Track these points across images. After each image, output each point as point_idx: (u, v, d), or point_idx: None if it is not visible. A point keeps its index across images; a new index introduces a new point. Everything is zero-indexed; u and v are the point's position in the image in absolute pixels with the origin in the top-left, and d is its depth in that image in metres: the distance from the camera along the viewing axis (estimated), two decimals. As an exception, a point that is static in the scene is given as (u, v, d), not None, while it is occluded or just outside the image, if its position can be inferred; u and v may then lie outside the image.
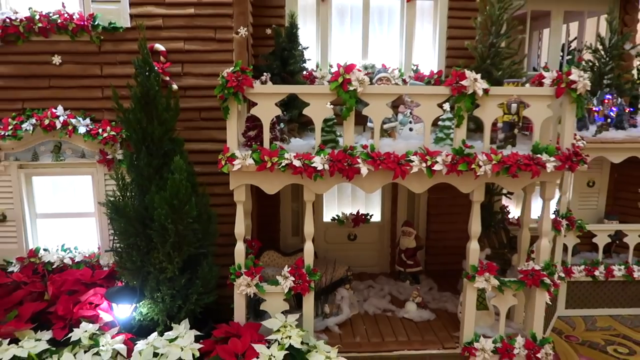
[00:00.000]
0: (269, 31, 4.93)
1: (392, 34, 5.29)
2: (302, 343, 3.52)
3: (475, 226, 3.92)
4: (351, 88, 3.45)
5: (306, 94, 3.57)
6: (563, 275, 5.60)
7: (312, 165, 3.49)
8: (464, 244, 5.37)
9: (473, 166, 3.56)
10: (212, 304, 4.05)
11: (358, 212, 5.45)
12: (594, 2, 7.08)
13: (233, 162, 3.51)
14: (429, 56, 5.30)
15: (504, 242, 5.77)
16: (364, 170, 3.52)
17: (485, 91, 3.55)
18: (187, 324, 3.72)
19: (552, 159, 3.61)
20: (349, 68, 3.47)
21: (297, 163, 3.49)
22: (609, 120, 5.89)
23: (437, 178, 3.66)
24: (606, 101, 6.58)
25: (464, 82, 3.51)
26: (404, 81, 5.10)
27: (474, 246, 3.94)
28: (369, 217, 5.48)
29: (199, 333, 3.65)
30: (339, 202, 5.57)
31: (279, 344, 3.43)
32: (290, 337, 3.45)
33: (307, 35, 5.18)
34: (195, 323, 3.85)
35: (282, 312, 3.81)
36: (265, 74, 3.98)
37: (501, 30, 4.61)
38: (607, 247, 6.01)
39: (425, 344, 4.04)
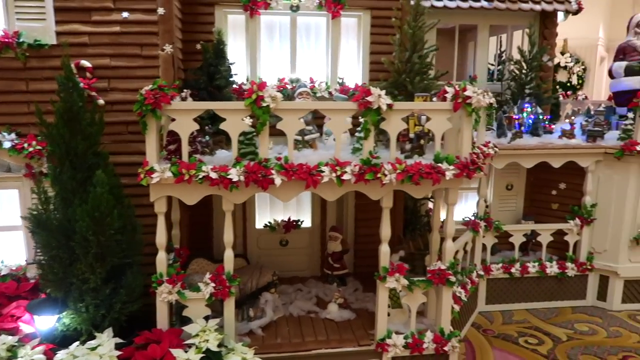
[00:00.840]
0: (199, 46, 5.12)
1: (319, 49, 5.57)
2: (220, 346, 3.72)
3: (385, 230, 4.23)
4: (264, 104, 3.69)
5: (222, 110, 3.78)
6: (482, 273, 6.02)
7: (228, 177, 3.70)
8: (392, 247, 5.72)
9: (379, 175, 3.86)
10: (139, 312, 4.19)
11: (289, 219, 5.69)
12: (517, 17, 7.59)
13: (152, 175, 3.68)
14: (354, 70, 5.61)
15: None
16: (277, 181, 3.76)
17: (389, 106, 3.86)
18: (111, 332, 3.85)
19: (451, 167, 3.96)
20: (261, 85, 3.72)
21: (213, 175, 3.70)
22: (522, 128, 6.36)
23: (347, 187, 3.94)
24: (525, 109, 7.09)
25: (369, 98, 3.81)
26: (330, 94, 5.39)
27: (384, 249, 4.24)
28: (299, 223, 5.73)
29: (121, 341, 3.79)
30: (271, 209, 5.80)
31: (196, 347, 3.61)
32: (207, 340, 3.65)
33: (237, 50, 5.40)
34: (121, 332, 3.98)
35: (205, 317, 4.00)
36: (185, 90, 4.17)
37: (417, 47, 4.97)
38: (525, 246, 6.49)
39: (342, 342, 4.31)
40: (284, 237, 5.74)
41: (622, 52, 7.06)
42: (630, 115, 6.08)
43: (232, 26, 5.39)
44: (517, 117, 7.08)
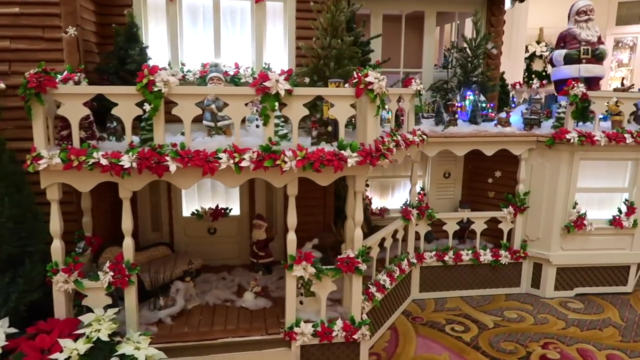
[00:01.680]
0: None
1: (245, 34, 5.46)
2: (114, 335, 3.66)
3: (291, 218, 4.17)
4: (156, 89, 3.59)
5: (113, 95, 3.68)
6: (415, 261, 6.01)
7: (120, 163, 3.61)
8: (321, 234, 5.67)
9: (278, 162, 3.79)
10: (44, 302, 4.10)
11: (217, 206, 5.61)
12: (464, 4, 7.52)
13: (39, 162, 3.58)
14: (281, 55, 5.51)
15: (365, 232, 6.10)
16: (172, 167, 3.67)
17: (288, 92, 3.78)
18: (6, 322, 3.77)
19: (354, 154, 3.90)
20: (153, 69, 3.61)
21: (104, 162, 3.60)
22: (456, 116, 6.32)
23: (247, 174, 3.87)
24: (467, 97, 7.05)
25: (267, 83, 3.72)
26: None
27: (291, 237, 4.19)
28: (228, 211, 5.66)
29: (15, 331, 3.71)
30: (200, 197, 5.71)
31: (87, 337, 3.54)
32: (99, 330, 3.58)
33: (159, 34, 5.27)
34: (22, 322, 3.90)
35: (107, 306, 3.93)
36: (78, 74, 4.04)
37: (337, 32, 4.87)
38: (462, 234, 6.49)
39: (250, 330, 4.27)
40: (212, 225, 5.67)
41: (563, 40, 7.02)
42: (564, 103, 6.07)
43: (154, 10, 5.24)
44: (459, 104, 7.06)
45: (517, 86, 11.18)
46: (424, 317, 5.74)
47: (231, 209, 5.68)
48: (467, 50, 7.17)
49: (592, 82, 6.85)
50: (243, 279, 5.23)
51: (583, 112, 5.91)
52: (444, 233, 6.28)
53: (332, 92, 3.98)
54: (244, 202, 5.70)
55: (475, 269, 6.24)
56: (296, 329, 4.21)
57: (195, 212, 5.60)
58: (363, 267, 4.28)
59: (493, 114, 6.95)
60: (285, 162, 3.79)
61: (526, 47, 22.92)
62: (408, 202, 5.99)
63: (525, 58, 23.01)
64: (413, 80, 5.41)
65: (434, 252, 6.09)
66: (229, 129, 4.47)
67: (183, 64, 5.29)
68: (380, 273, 5.31)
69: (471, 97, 7.01)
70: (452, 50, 7.50)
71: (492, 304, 6.10)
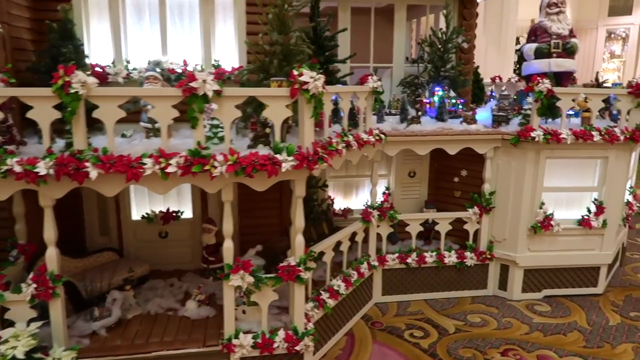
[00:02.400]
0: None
1: (194, 30, 5.22)
2: (35, 351, 3.47)
3: (227, 225, 3.97)
4: (72, 91, 3.37)
5: (28, 97, 3.46)
6: (376, 264, 5.82)
7: (35, 170, 3.40)
8: (275, 238, 5.48)
9: (207, 167, 3.59)
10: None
11: (168, 210, 5.41)
12: None
13: (-54, 169, 3.37)
14: (232, 52, 5.28)
15: (325, 233, 5.92)
16: (93, 174, 3.46)
17: (217, 92, 3.57)
18: None
19: (290, 158, 3.69)
20: (69, 69, 3.39)
21: (18, 169, 3.39)
22: (420, 113, 6.10)
23: (175, 180, 3.66)
24: (436, 93, 6.83)
25: (193, 84, 3.51)
26: (204, 77, 5.05)
27: (227, 244, 3.99)
28: (179, 214, 5.46)
29: None
30: (150, 199, 5.50)
31: (2, 355, 3.35)
32: (15, 347, 3.38)
33: (103, 31, 5.04)
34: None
35: (32, 319, 3.74)
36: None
37: (283, 28, 4.64)
38: (427, 235, 6.30)
39: (188, 342, 4.08)
40: (163, 229, 5.46)
41: (534, 34, 6.77)
42: (530, 99, 5.85)
43: (97, 5, 5.01)
44: (427, 100, 6.84)
45: (497, 80, 10.90)
46: (383, 322, 5.56)
47: (183, 211, 5.48)
48: (437, 44, 6.95)
49: (564, 77, 6.64)
50: (192, 285, 5.02)
51: (550, 108, 5.70)
52: (410, 234, 6.09)
53: (265, 92, 3.77)
54: (196, 205, 5.49)
55: (440, 271, 6.05)
56: (235, 341, 4.03)
57: (146, 216, 5.39)
58: (305, 275, 4.09)
59: (462, 110, 6.74)
60: (215, 167, 3.58)
61: (517, 39, 22.66)
62: (369, 203, 5.78)
63: (517, 50, 22.74)
64: (370, 78, 5.18)
65: (396, 254, 5.90)
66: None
67: (128, 62, 5.06)
68: (336, 278, 5.11)
69: (440, 93, 6.80)
70: (422, 45, 7.26)
71: (456, 307, 5.91)
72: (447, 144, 5.73)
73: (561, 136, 5.52)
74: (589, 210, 5.98)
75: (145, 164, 3.52)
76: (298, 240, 4.09)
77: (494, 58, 17.24)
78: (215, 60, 5.18)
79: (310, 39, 6.59)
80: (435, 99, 6.79)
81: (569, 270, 6.12)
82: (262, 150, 3.80)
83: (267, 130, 3.94)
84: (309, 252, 4.19)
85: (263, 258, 4.79)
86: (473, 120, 6.06)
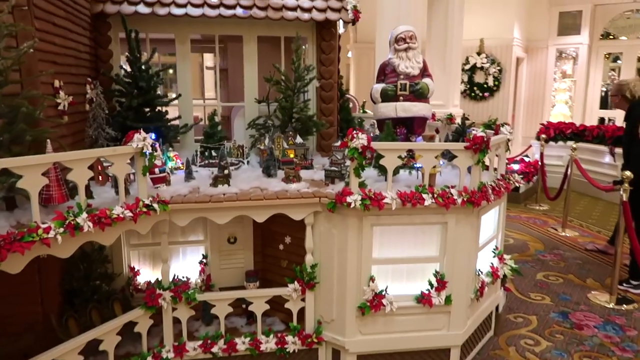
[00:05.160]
0: None
1: None
2: None
3: None
4: None
5: None
6: (171, 355, 4.81)
7: None
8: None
9: None
10: None
11: None
12: (288, 27, 6.46)
13: None
14: None
15: (117, 316, 4.89)
16: None
17: None
18: None
19: None
20: None
21: None
22: (227, 171, 5.14)
23: None
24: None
25: None
26: None
27: None
28: None
29: None
30: None
31: None
32: None
33: None
34: None
35: None
36: None
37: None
38: (250, 313, 5.31)
39: None
40: None
41: (383, 72, 5.92)
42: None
43: None
44: (266, 148, 5.93)
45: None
46: None
47: None
48: (282, 82, 6.09)
49: (415, 123, 5.76)
50: None
51: (379, 167, 4.83)
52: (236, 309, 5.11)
53: None
54: None
55: (257, 360, 5.05)
56: None
57: None
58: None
59: (308, 161, 5.87)
60: None
61: (467, 58, 22.05)
62: (158, 282, 4.78)
63: (467, 70, 22.14)
64: (136, 134, 4.23)
65: (198, 343, 4.89)
66: None
67: None
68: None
69: (281, 140, 5.89)
70: (268, 82, 6.36)
71: (274, 405, 4.92)
72: (253, 211, 4.76)
73: (384, 201, 4.60)
74: (430, 285, 5.04)
75: None
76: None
77: (440, 79, 16.56)
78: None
79: (130, 75, 5.75)
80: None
81: (412, 355, 5.17)
82: None
83: None
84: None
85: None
86: (296, 178, 5.13)
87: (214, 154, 6.11)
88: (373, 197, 4.59)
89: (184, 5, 6.10)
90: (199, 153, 6.05)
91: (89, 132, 5.25)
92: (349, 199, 4.58)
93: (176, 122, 6.35)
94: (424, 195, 4.68)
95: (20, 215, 3.61)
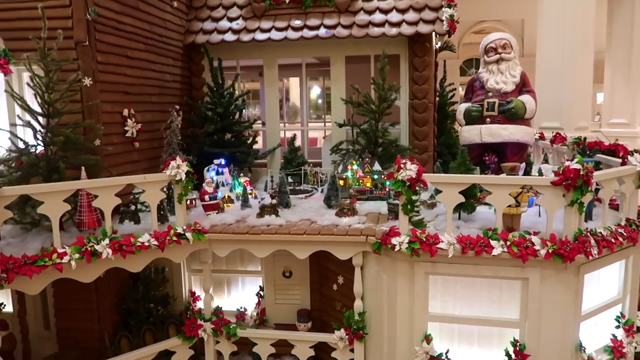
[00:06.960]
0: None
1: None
2: None
3: None
4: None
5: None
6: (210, 391, 4.62)
7: None
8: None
9: None
10: None
11: (-10, 302, 5.01)
12: (377, 45, 6.09)
13: None
14: None
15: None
16: None
17: None
18: None
19: None
20: None
21: None
22: (274, 201, 4.79)
23: None
24: (350, 167, 5.51)
25: None
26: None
27: None
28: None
29: None
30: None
31: None
32: None
33: None
34: None
35: None
36: None
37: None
38: (301, 356, 4.85)
39: None
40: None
41: (471, 89, 4.97)
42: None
43: None
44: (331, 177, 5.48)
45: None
46: None
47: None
48: (367, 104, 5.66)
49: (508, 150, 4.71)
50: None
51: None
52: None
53: None
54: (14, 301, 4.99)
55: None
56: None
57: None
58: None
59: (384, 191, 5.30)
60: None
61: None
62: (199, 312, 4.64)
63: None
64: (171, 162, 4.19)
65: (238, 383, 4.62)
66: None
67: None
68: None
69: (355, 167, 5.42)
70: (349, 104, 5.95)
71: None
72: (293, 246, 4.35)
73: (438, 246, 3.77)
74: (508, 356, 3.96)
75: None
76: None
77: (622, 92, 14.07)
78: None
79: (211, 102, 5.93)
80: (349, 174, 5.43)
81: None
82: None
83: None
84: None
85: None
86: (351, 211, 4.56)
87: (289, 179, 5.85)
88: (424, 241, 3.79)
89: (268, 30, 6.06)
90: (272, 179, 5.85)
91: (163, 157, 5.43)
92: (393, 241, 3.86)
93: (259, 146, 6.28)
94: (493, 242, 3.70)
95: (65, 238, 3.77)
